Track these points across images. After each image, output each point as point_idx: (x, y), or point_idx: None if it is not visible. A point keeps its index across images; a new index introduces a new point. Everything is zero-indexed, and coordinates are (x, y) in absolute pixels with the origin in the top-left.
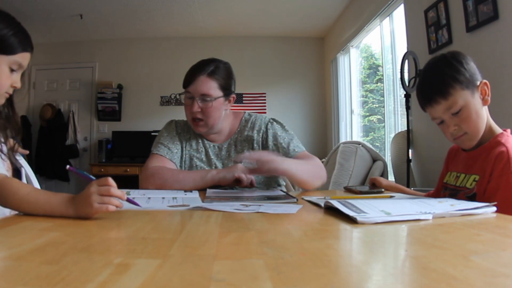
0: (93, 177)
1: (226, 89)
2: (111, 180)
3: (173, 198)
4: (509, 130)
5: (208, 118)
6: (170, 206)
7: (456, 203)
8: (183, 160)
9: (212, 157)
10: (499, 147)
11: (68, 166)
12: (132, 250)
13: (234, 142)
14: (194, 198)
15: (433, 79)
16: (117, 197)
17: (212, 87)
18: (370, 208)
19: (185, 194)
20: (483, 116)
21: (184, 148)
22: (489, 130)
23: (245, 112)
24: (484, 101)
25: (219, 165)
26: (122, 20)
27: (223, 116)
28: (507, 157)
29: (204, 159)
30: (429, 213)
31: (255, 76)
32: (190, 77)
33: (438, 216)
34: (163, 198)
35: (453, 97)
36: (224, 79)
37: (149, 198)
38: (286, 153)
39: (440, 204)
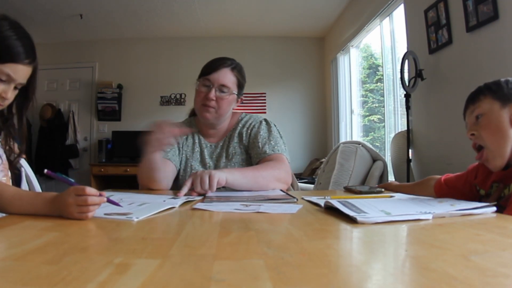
0: (72, 180)
1: (240, 89)
2: (88, 190)
3: (140, 204)
4: None
5: (219, 108)
6: (106, 214)
7: (456, 203)
8: (180, 160)
9: (206, 156)
10: None
11: (46, 170)
12: (132, 250)
13: (228, 141)
14: (151, 206)
15: (474, 90)
16: (97, 204)
17: (231, 81)
18: (370, 208)
19: (164, 201)
20: (508, 136)
21: (181, 149)
22: None
23: (242, 113)
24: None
25: (211, 164)
26: (122, 20)
27: (229, 114)
28: None
29: (199, 158)
30: (429, 213)
31: (255, 76)
32: (214, 67)
33: (438, 216)
34: (130, 204)
35: (480, 102)
36: (241, 78)
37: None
38: (258, 153)
39: (440, 204)
